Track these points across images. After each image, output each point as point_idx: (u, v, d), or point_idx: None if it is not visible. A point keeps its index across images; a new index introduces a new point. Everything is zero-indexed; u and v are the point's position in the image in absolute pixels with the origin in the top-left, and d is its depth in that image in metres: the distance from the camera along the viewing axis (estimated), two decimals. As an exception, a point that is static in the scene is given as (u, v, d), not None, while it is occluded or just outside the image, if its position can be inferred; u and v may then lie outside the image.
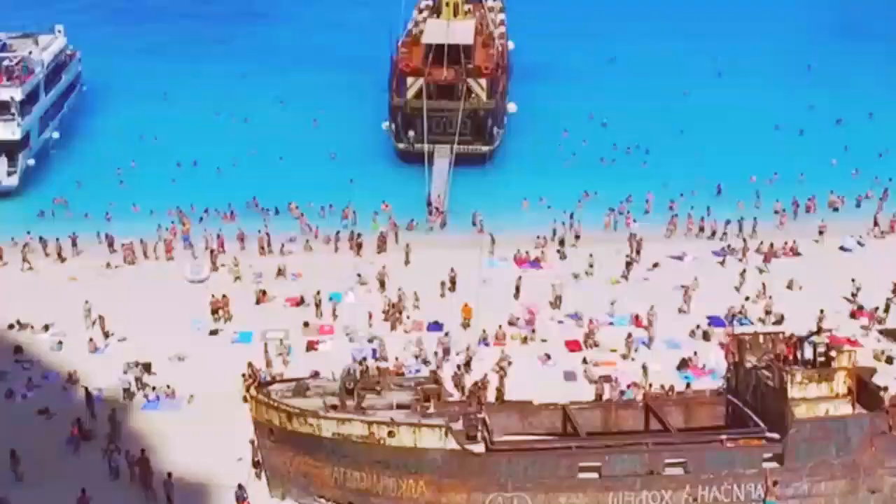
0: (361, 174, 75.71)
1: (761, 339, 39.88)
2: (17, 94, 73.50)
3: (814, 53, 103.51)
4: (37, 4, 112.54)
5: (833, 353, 38.01)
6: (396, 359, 49.54)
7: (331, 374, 40.68)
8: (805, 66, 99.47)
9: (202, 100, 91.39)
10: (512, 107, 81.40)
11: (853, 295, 55.91)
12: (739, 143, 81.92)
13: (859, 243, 64.86)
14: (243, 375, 43.33)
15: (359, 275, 59.70)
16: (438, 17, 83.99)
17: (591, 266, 60.22)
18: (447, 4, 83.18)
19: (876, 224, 67.45)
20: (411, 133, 76.08)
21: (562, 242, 63.94)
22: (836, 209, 70.97)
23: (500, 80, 79.42)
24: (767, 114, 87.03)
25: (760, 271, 60.17)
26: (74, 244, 64.06)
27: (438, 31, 78.41)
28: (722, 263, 62.56)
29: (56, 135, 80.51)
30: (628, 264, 60.44)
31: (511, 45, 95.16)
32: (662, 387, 45.15)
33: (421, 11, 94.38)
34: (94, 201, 71.69)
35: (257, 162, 78.27)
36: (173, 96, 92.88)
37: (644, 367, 48.26)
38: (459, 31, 78.84)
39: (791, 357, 38.43)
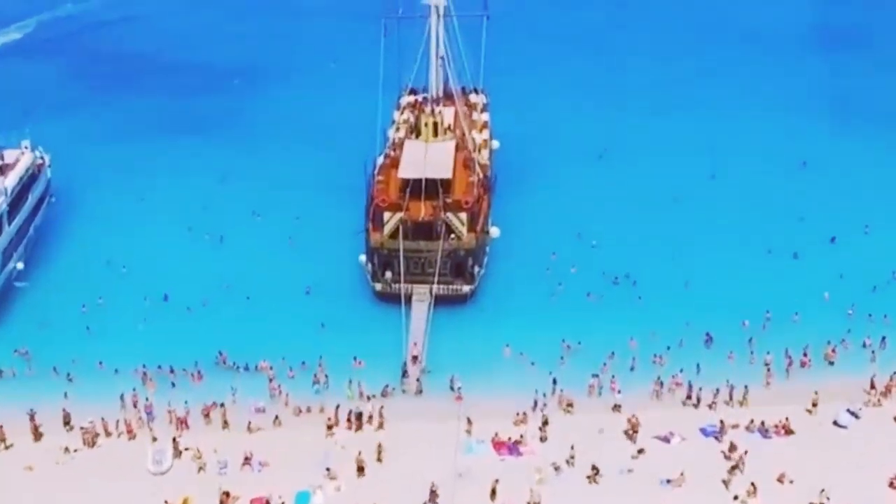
0: (336, 314, 73.06)
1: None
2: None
3: (809, 142, 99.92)
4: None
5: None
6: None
7: None
8: (800, 162, 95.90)
9: (177, 208, 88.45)
10: (495, 231, 78.29)
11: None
12: (731, 268, 78.66)
13: (855, 415, 61.92)
14: None
15: (328, 469, 56.73)
16: (417, 137, 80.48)
17: (572, 457, 57.28)
18: (426, 125, 79.80)
19: (873, 387, 64.54)
20: (388, 274, 73.14)
21: (544, 422, 60.71)
22: (831, 363, 68.06)
23: (482, 211, 76.21)
24: (760, 229, 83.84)
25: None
26: (32, 419, 61.03)
27: (416, 162, 75.30)
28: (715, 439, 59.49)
29: (21, 265, 77.34)
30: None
31: (496, 144, 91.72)
32: None
33: (402, 111, 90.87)
34: (58, 351, 68.86)
35: (228, 299, 75.12)
36: (149, 200, 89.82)
37: None
38: (438, 160, 75.69)
39: None
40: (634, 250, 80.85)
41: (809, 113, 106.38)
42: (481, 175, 78.59)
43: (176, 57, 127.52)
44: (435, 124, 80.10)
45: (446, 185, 74.93)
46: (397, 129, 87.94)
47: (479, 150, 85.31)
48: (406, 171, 75.23)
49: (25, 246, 79.81)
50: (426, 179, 73.87)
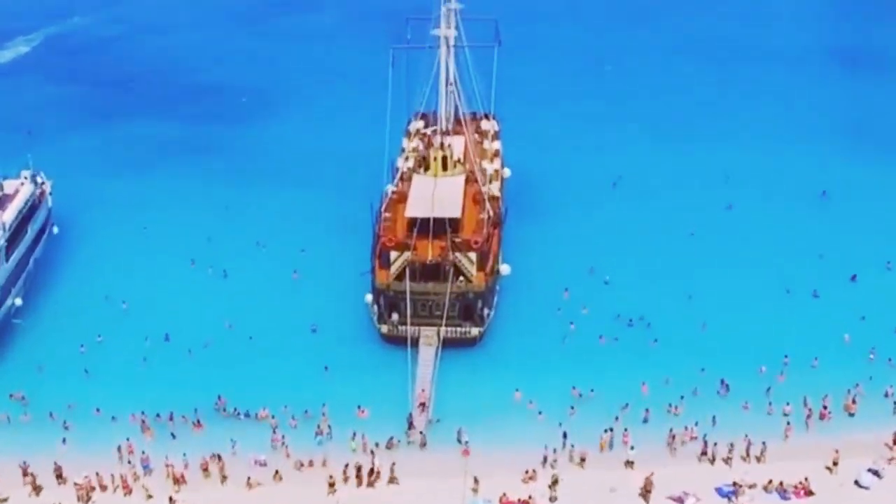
0: (340, 356, 71.19)
1: None
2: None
3: (829, 171, 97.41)
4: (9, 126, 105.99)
5: None
6: None
7: None
8: (820, 192, 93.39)
9: (181, 238, 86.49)
10: (505, 269, 76.05)
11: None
12: (749, 308, 76.41)
13: (877, 474, 59.64)
14: None
15: (328, 530, 54.73)
16: (425, 171, 78.31)
17: (582, 522, 55.11)
18: (435, 159, 77.63)
19: (895, 442, 62.22)
20: (395, 316, 70.99)
21: (554, 482, 58.52)
22: (851, 414, 65.70)
23: (492, 251, 74.05)
24: (778, 266, 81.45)
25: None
26: (25, 472, 59.24)
27: (424, 199, 73.21)
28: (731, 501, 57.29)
29: (19, 301, 75.47)
30: None
31: (507, 172, 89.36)
32: None
33: (411, 137, 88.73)
34: (55, 395, 67.12)
35: (231, 339, 73.07)
36: (152, 230, 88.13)
37: None
38: (447, 198, 73.56)
39: None
40: (649, 288, 78.58)
41: (829, 140, 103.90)
42: (492, 212, 76.18)
43: (184, 76, 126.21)
44: (444, 158, 77.72)
45: (455, 224, 72.61)
46: (406, 158, 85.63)
47: (490, 182, 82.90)
48: (414, 209, 73.07)
49: (24, 280, 77.88)
50: (434, 219, 71.52)
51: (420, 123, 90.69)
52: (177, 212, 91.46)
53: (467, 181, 79.21)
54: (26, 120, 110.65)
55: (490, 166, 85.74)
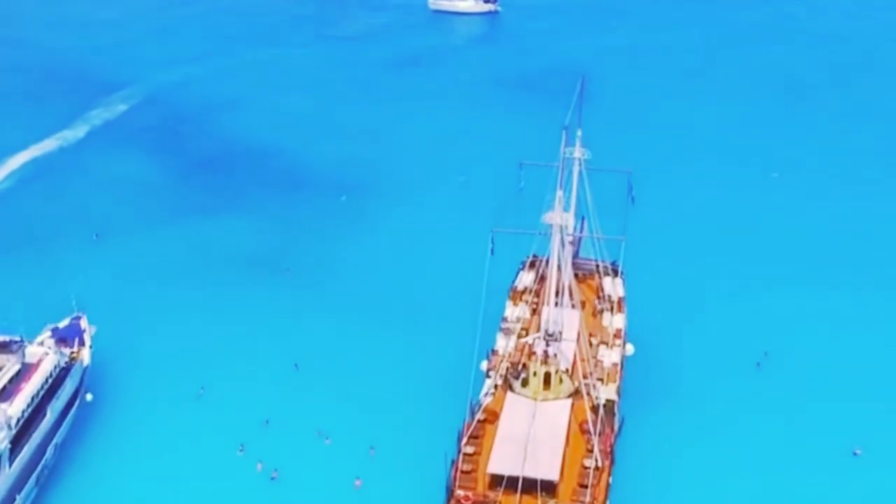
0: None
1: None
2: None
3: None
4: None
5: None
6: None
7: None
8: None
9: (234, 413, 73.42)
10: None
11: None
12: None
13: None
14: None
15: None
16: (524, 385, 62.57)
17: None
18: (535, 374, 61.80)
19: None
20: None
21: None
22: None
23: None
24: None
25: None
26: None
27: (514, 446, 57.93)
28: None
29: (27, 511, 62.76)
30: None
31: (630, 349, 73.67)
32: None
33: (517, 299, 73.63)
34: None
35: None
36: (208, 395, 75.76)
37: None
38: (544, 446, 58.28)
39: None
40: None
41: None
42: (600, 460, 59.64)
43: (280, 156, 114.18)
44: (547, 375, 61.76)
45: (551, 487, 56.68)
46: (507, 333, 70.15)
47: (607, 382, 66.79)
48: (499, 463, 57.57)
49: (38, 477, 65.07)
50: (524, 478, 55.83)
51: (529, 277, 75.60)
52: (238, 369, 78.30)
53: (574, 402, 62.90)
54: (98, 211, 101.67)
55: (608, 356, 70.07)
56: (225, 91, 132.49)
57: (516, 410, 61.32)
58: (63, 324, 74.88)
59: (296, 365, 78.46)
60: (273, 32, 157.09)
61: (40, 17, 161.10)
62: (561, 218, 62.42)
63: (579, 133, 67.78)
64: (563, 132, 63.51)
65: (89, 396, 73.15)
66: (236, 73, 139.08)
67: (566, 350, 65.69)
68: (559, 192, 62.13)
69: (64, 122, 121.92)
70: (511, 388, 63.54)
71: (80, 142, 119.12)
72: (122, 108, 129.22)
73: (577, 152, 67.60)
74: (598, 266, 75.96)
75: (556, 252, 63.31)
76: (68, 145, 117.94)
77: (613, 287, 76.65)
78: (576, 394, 63.78)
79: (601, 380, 67.77)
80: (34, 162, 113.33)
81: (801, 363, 78.82)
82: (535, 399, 62.22)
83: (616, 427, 66.07)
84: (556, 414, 61.28)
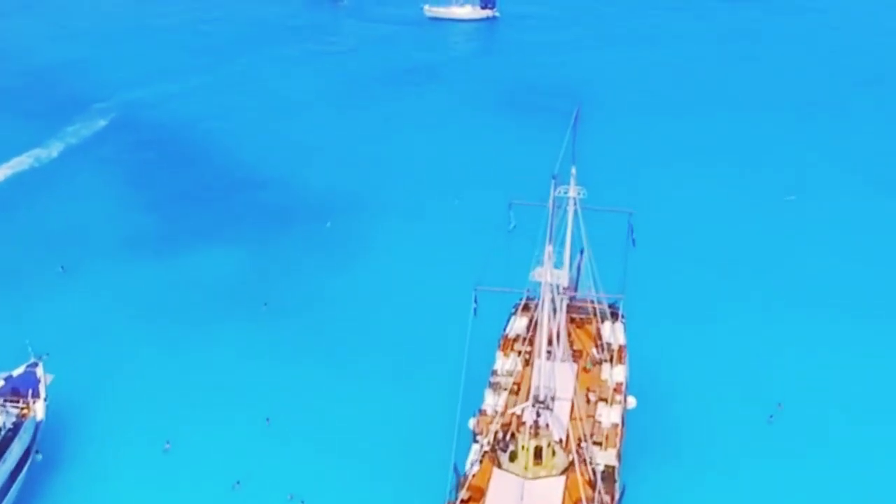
0: None
1: None
2: None
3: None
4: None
5: None
6: None
7: None
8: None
9: (205, 473, 67.42)
10: None
11: None
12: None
13: None
14: None
15: None
16: (512, 459, 56.22)
17: None
18: (524, 448, 55.47)
19: None
20: None
21: None
22: None
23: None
24: None
25: None
26: None
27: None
28: None
29: None
30: None
31: (632, 402, 67.60)
32: None
33: (507, 349, 67.20)
34: None
35: None
36: (175, 451, 69.34)
37: None
38: None
39: None
40: None
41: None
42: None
43: (259, 186, 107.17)
44: (538, 450, 55.35)
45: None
46: (496, 390, 63.91)
47: (606, 446, 60.48)
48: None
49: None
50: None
51: (521, 323, 69.19)
52: (208, 422, 71.97)
53: (568, 477, 56.47)
54: (66, 240, 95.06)
55: (608, 415, 63.82)
56: (205, 109, 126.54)
57: (503, 490, 55.06)
58: (17, 372, 68.92)
59: (267, 419, 72.11)
60: (261, 45, 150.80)
61: (15, 30, 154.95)
62: (551, 276, 55.69)
63: (573, 171, 61.43)
64: (553, 180, 56.92)
65: (39, 457, 66.73)
66: (218, 90, 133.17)
67: (560, 413, 59.58)
68: (548, 248, 55.48)
69: (37, 139, 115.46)
70: (499, 462, 56.95)
71: (53, 161, 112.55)
72: (101, 123, 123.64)
73: (572, 191, 61.39)
74: (595, 311, 69.55)
75: (547, 315, 56.55)
76: (40, 165, 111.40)
77: (613, 333, 70.32)
78: (570, 466, 57.18)
79: (599, 444, 61.49)
80: (3, 183, 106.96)
81: (819, 416, 72.59)
82: (525, 476, 55.64)
83: (617, 496, 59.73)
84: (547, 495, 54.77)
